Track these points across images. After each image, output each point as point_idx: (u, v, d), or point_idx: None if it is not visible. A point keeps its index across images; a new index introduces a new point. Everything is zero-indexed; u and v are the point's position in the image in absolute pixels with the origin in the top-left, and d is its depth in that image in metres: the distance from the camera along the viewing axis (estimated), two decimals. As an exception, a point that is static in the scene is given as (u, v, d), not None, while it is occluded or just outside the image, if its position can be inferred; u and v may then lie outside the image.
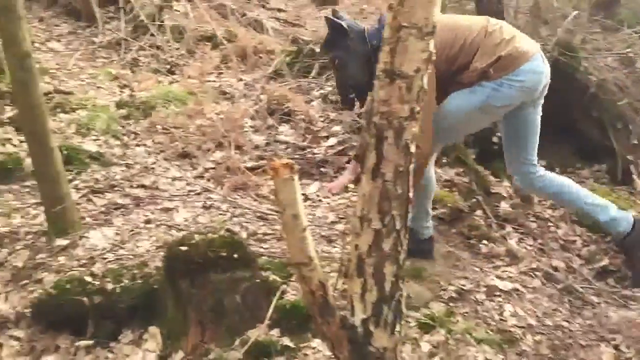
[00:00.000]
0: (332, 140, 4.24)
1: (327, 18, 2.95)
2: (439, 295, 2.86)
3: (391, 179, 1.62)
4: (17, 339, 2.64)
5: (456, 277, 3.03)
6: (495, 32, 2.75)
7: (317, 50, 5.12)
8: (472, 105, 2.72)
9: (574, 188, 3.13)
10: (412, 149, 1.63)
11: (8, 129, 4.02)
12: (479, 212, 3.57)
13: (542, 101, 2.96)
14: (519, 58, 2.71)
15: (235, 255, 2.53)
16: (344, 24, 2.90)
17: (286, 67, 5.34)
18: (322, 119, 4.59)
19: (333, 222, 3.47)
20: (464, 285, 2.95)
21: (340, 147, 4.17)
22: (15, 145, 3.89)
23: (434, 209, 3.54)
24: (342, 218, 3.51)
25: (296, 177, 1.61)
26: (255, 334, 2.39)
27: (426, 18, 1.49)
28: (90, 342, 2.61)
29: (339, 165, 4.00)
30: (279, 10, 7.43)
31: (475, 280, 3.01)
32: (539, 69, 2.78)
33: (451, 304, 2.81)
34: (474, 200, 3.61)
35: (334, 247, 3.19)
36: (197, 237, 2.58)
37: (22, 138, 3.96)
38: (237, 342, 2.41)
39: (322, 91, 4.88)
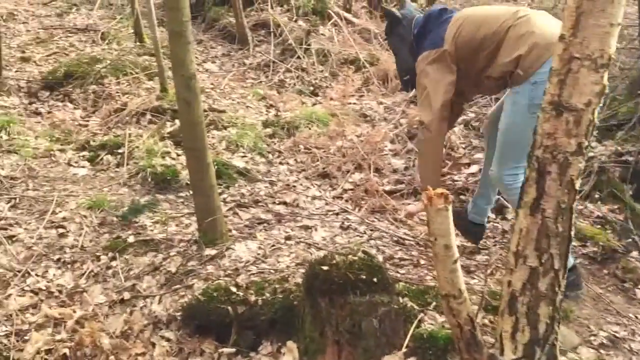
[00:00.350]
0: (474, 168, 4.14)
1: (382, 8, 3.10)
2: (588, 340, 2.67)
3: (552, 215, 1.54)
4: (168, 340, 2.83)
5: (607, 322, 2.81)
6: (520, 24, 2.70)
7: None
8: (522, 113, 2.68)
9: None
10: (577, 185, 1.54)
11: (168, 142, 4.37)
12: (635, 254, 3.29)
13: None
14: (543, 51, 2.59)
15: (375, 279, 2.53)
16: (397, 12, 3.10)
17: (427, 91, 5.31)
18: (463, 145, 4.51)
19: (472, 252, 3.38)
20: (616, 332, 2.73)
21: (482, 175, 4.06)
22: (173, 158, 4.22)
23: (582, 246, 3.33)
24: (481, 249, 3.40)
25: (450, 207, 1.59)
26: (392, 360, 2.37)
27: (602, 49, 1.42)
28: (232, 350, 2.74)
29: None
30: (421, 34, 7.42)
31: (629, 327, 2.78)
32: None
33: (602, 351, 2.61)
34: (630, 240, 3.34)
35: (473, 278, 3.10)
36: (337, 257, 2.62)
37: (180, 152, 4.30)
38: (372, 367, 2.41)
39: (464, 117, 4.79)
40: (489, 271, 3.04)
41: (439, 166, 3.12)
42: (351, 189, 4.13)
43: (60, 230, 3.51)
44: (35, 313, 2.90)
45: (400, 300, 2.64)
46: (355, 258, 2.61)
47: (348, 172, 4.27)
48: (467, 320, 1.66)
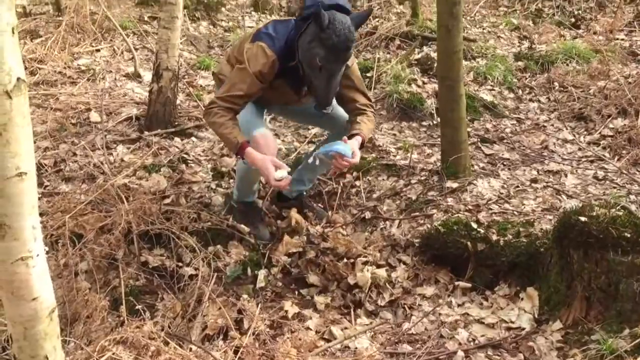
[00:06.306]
0: None
1: None
2: None
3: None
4: (405, 263, 2.90)
5: None
6: None
7: None
8: None
9: None
10: None
11: (415, 69, 4.34)
12: None
13: None
14: None
15: (641, 240, 2.28)
16: None
17: None
18: None
19: None
20: None
21: None
22: (419, 86, 4.19)
23: None
24: None
25: None
26: (651, 330, 2.15)
27: None
28: (468, 284, 2.71)
29: None
30: None
31: None
32: None
33: None
34: None
35: None
36: (598, 210, 2.40)
37: (426, 80, 4.26)
38: (626, 332, 2.21)
39: None
40: None
41: None
42: (611, 136, 3.73)
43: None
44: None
45: (667, 267, 2.35)
46: (620, 213, 2.37)
47: (609, 116, 3.85)
48: None
